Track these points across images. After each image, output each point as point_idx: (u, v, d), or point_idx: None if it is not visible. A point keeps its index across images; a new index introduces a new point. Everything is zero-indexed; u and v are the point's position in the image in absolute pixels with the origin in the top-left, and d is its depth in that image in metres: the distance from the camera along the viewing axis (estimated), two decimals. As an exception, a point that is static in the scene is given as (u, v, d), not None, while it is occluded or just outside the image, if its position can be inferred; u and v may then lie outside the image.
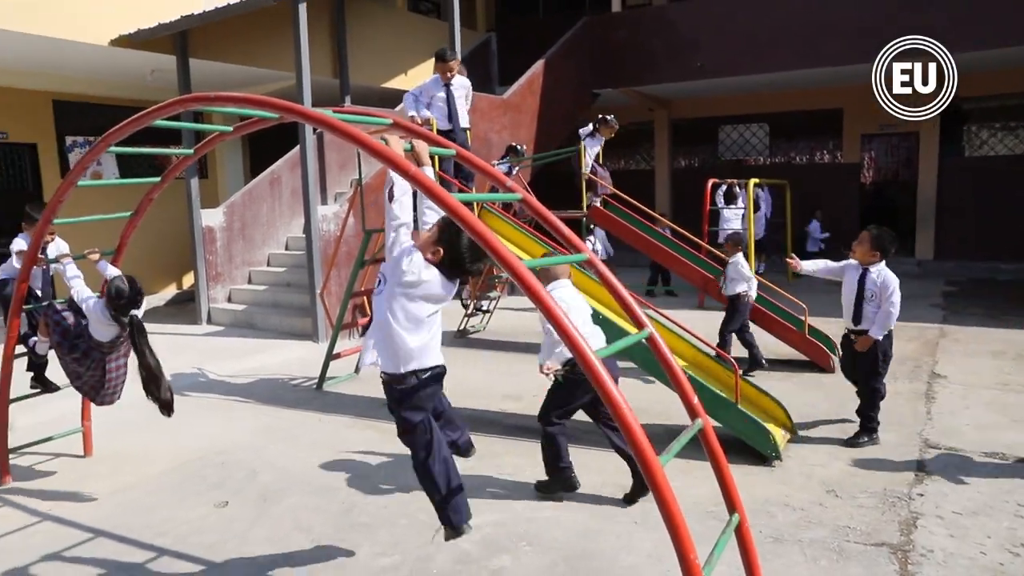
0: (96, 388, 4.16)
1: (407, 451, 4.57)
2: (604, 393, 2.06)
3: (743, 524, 2.48)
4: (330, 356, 6.57)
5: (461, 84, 6.60)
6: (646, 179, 15.97)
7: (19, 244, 5.22)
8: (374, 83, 11.50)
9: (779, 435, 4.59)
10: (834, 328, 7.79)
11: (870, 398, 4.82)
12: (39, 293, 5.32)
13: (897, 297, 4.66)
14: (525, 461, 4.63)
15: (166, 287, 12.24)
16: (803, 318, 6.72)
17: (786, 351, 7.04)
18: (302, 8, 8.07)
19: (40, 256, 4.71)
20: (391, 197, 2.85)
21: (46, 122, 10.61)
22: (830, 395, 5.85)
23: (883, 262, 4.77)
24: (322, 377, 6.60)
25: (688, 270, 7.83)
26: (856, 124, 13.95)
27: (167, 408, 4.01)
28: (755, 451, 4.51)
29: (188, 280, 11.86)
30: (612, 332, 5.02)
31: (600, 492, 4.14)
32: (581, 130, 8.53)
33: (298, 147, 8.78)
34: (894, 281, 4.68)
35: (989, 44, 10.29)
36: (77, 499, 4.25)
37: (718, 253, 8.20)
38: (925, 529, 3.62)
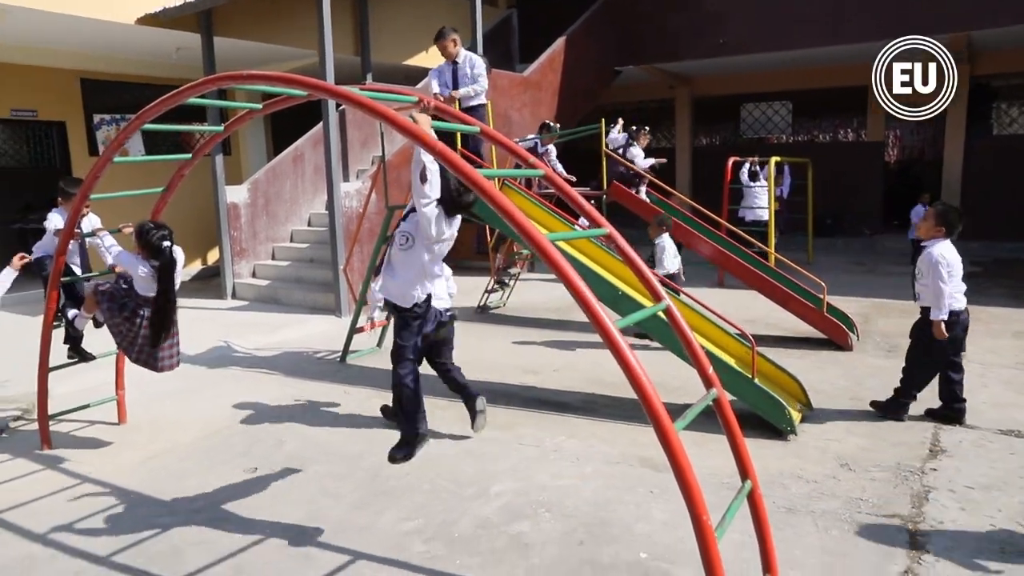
0: (151, 354, 4.25)
1: (429, 419, 4.72)
2: (622, 361, 2.15)
3: (755, 491, 2.57)
4: (353, 330, 6.71)
5: (467, 61, 6.60)
6: (667, 156, 15.88)
7: (56, 221, 5.36)
8: (396, 60, 11.55)
9: (795, 410, 4.66)
10: (853, 306, 7.85)
11: (904, 375, 4.88)
12: (76, 268, 5.49)
13: (938, 274, 4.54)
14: (543, 433, 4.74)
15: (192, 263, 12.46)
16: (822, 296, 6.74)
17: (805, 329, 7.07)
18: (325, -15, 8.12)
19: (76, 231, 4.85)
20: (423, 179, 3.25)
21: (74, 100, 10.80)
22: (847, 372, 5.89)
23: (948, 239, 4.66)
24: (345, 350, 6.74)
25: (706, 247, 7.85)
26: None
27: (154, 343, 4.16)
28: (771, 425, 4.58)
29: (213, 256, 12.06)
30: (631, 306, 5.11)
31: (618, 462, 4.24)
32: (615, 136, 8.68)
33: (320, 124, 8.87)
34: (932, 257, 4.58)
35: (1019, 19, 10.11)
36: (113, 464, 4.42)
37: (737, 231, 8.24)
38: (937, 502, 3.68)
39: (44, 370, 4.69)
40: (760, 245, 8.00)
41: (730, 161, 10.64)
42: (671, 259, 6.88)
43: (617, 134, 9.22)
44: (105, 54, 10.36)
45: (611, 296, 5.33)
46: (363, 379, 6.12)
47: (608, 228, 2.76)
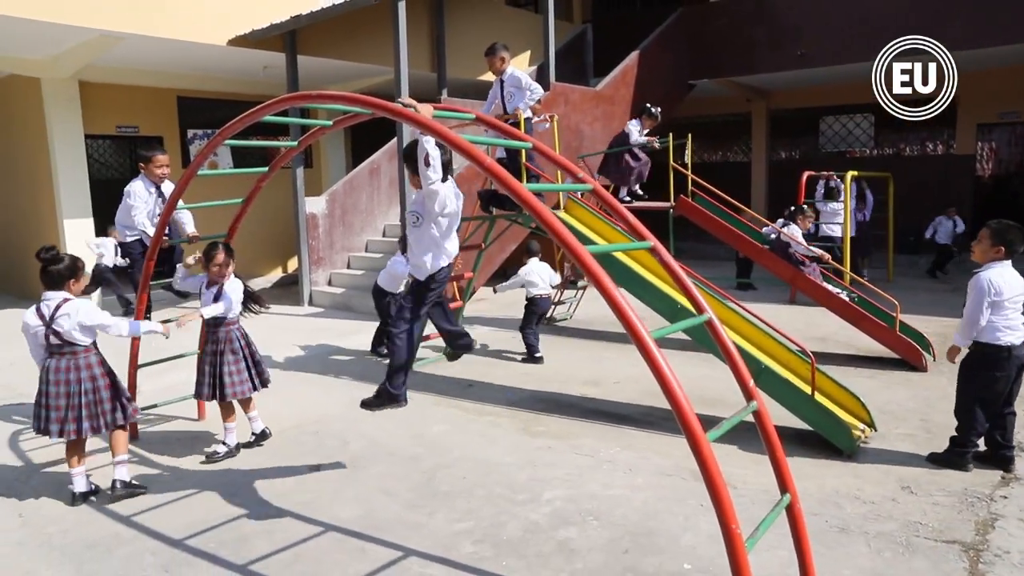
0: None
1: (488, 428, 4.89)
2: (655, 370, 2.21)
3: (794, 505, 2.57)
4: (419, 339, 6.91)
5: (511, 77, 6.72)
6: (742, 172, 15.65)
7: (137, 190, 5.59)
8: (470, 76, 11.84)
9: (856, 429, 4.55)
10: (932, 326, 7.56)
11: (958, 420, 4.34)
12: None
13: (977, 301, 4.09)
14: (599, 443, 4.79)
15: (272, 270, 13.07)
16: (895, 315, 6.54)
17: (877, 348, 6.86)
18: (401, 6, 8.45)
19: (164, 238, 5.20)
20: (427, 164, 3.67)
21: (171, 116, 11.56)
22: (918, 394, 5.69)
23: (1008, 260, 4.17)
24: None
25: (776, 264, 7.72)
26: (971, 113, 13.21)
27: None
28: (833, 444, 4.50)
29: (292, 264, 12.61)
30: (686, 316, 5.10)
31: (671, 474, 4.26)
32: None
33: (396, 139, 9.20)
34: (979, 282, 4.13)
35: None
36: (191, 457, 4.72)
37: (812, 249, 8.06)
38: (1004, 531, 3.54)
39: (133, 367, 5.06)
40: (833, 263, 7.81)
41: (804, 176, 10.40)
42: (530, 281, 7.15)
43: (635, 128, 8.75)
44: (199, 74, 11.05)
45: (670, 310, 5.34)
46: (427, 385, 6.31)
47: (652, 241, 2.82)
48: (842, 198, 10.33)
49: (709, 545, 3.39)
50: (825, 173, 10.64)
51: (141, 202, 5.57)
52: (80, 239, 9.89)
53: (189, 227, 5.67)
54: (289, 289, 11.49)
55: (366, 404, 4.17)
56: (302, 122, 5.13)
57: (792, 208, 9.01)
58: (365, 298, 9.52)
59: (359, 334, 8.24)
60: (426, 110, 2.99)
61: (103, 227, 9.82)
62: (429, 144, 3.62)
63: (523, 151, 6.16)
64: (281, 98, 3.66)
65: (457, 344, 4.62)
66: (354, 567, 3.31)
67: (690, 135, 8.58)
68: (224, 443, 4.71)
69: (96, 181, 10.54)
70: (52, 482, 4.35)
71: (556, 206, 6.71)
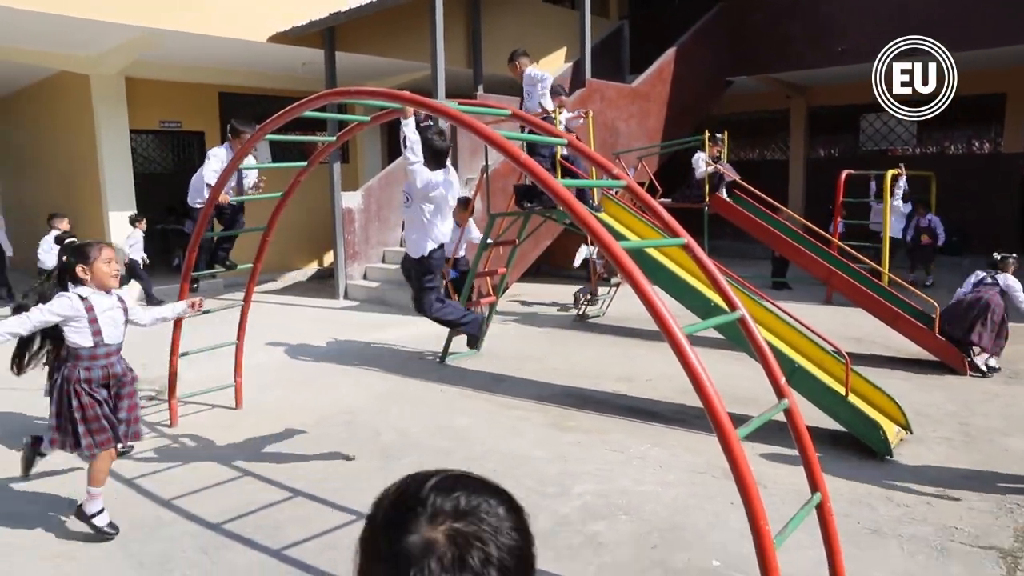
0: None
1: (518, 422, 4.95)
2: (687, 367, 2.22)
3: (825, 504, 2.56)
4: (453, 332, 6.97)
5: (526, 76, 6.77)
6: (779, 170, 15.44)
7: (219, 156, 5.79)
8: (507, 72, 11.82)
9: (891, 431, 4.49)
10: (972, 329, 7.38)
11: None
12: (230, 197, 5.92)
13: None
14: (630, 439, 4.80)
15: (309, 263, 13.27)
16: (934, 316, 6.41)
17: (915, 350, 6.74)
18: (439, 2, 8.52)
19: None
20: (405, 146, 3.94)
21: (212, 112, 11.79)
22: (957, 397, 5.59)
23: None
24: (445, 351, 7.02)
25: (812, 263, 7.62)
26: (1020, 110, 12.85)
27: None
28: (867, 446, 4.45)
29: (328, 258, 12.78)
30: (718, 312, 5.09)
31: (702, 472, 4.25)
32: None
33: (431, 135, 9.26)
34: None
35: None
36: (228, 444, 4.84)
37: (846, 247, 7.96)
38: (1044, 538, 3.47)
39: (175, 356, 5.20)
40: (870, 263, 7.69)
41: (843, 175, 10.23)
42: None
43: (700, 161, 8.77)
44: (240, 70, 11.26)
45: (704, 307, 5.32)
46: (459, 379, 6.37)
47: (686, 238, 2.83)
48: (897, 195, 10.09)
49: (739, 543, 3.38)
50: (874, 172, 10.30)
51: (219, 163, 5.71)
52: (124, 231, 10.17)
53: (251, 177, 5.83)
54: (325, 282, 11.65)
55: (472, 343, 5.46)
56: (340, 117, 5.22)
57: (715, 135, 8.61)
58: (399, 292, 9.63)
59: (393, 327, 8.34)
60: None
61: (146, 220, 10.06)
62: (407, 128, 3.94)
63: (558, 150, 6.19)
64: (320, 94, 3.74)
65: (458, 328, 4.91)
66: (386, 555, 3.37)
67: (727, 132, 8.51)
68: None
69: (139, 175, 10.81)
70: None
71: (598, 207, 6.71)
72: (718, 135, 8.28)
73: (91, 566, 3.33)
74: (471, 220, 7.32)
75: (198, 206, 5.78)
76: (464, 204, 6.95)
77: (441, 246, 4.41)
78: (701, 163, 8.14)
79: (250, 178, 5.88)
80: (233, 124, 5.76)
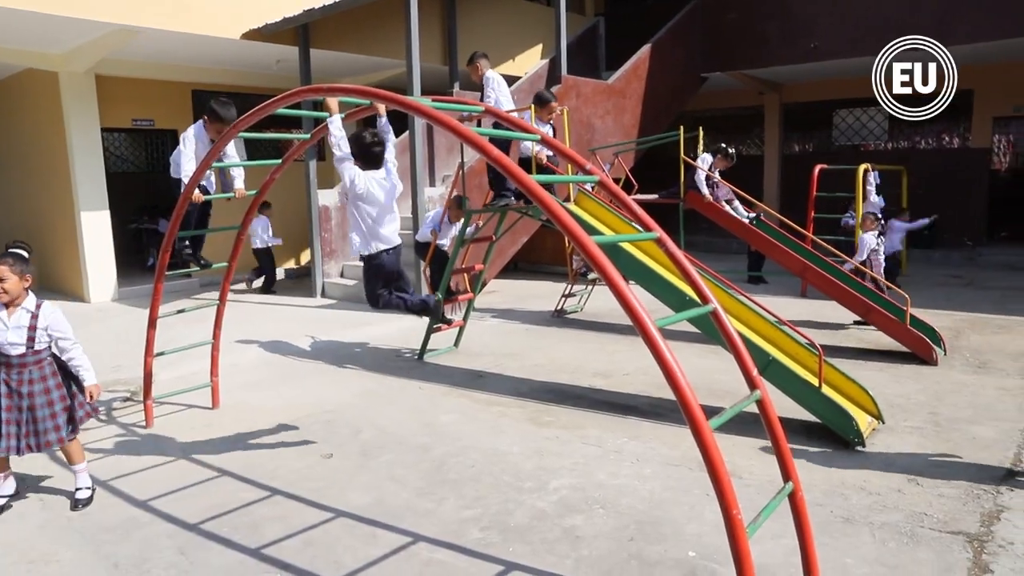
0: None
1: (497, 418, 4.97)
2: (659, 360, 2.25)
3: (797, 493, 2.60)
4: (431, 329, 6.97)
5: (485, 79, 6.93)
6: (754, 165, 15.59)
7: (188, 136, 5.54)
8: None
9: (864, 421, 4.57)
10: (944, 320, 7.56)
11: None
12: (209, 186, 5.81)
13: None
14: (607, 433, 4.84)
15: (285, 262, 13.17)
16: (905, 308, 6.53)
17: (888, 342, 6.86)
18: (413, 0, 8.49)
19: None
20: (332, 143, 4.00)
21: (185, 110, 11.66)
22: (928, 387, 5.69)
23: None
24: (423, 348, 7.01)
25: (786, 257, 7.71)
26: (987, 106, 13.11)
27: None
28: (840, 437, 4.52)
29: (305, 256, 12.70)
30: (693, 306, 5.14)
31: (678, 464, 4.29)
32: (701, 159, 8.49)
33: (408, 133, 9.25)
34: None
35: None
36: (205, 443, 4.81)
37: (820, 241, 8.05)
38: (1009, 523, 3.55)
39: (150, 356, 5.15)
40: (842, 255, 7.79)
41: (817, 169, 10.36)
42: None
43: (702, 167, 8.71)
44: (214, 67, 11.14)
45: (679, 302, 5.37)
46: (438, 376, 6.38)
47: (658, 232, 2.85)
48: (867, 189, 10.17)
49: (714, 534, 3.43)
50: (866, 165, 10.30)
51: (193, 146, 5.50)
52: (96, 231, 10.05)
53: (239, 181, 5.71)
54: (302, 281, 11.58)
55: (437, 317, 4.91)
56: (315, 115, 5.18)
57: (723, 147, 8.50)
58: (377, 290, 9.61)
59: (371, 325, 8.32)
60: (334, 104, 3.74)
61: (119, 219, 9.95)
62: (331, 124, 3.96)
63: (533, 147, 6.21)
64: (294, 91, 3.72)
65: (421, 312, 4.62)
66: (364, 551, 3.38)
67: (701, 128, 8.57)
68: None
69: (112, 174, 10.66)
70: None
71: (567, 199, 6.75)
72: (731, 151, 8.25)
73: (66, 568, 3.30)
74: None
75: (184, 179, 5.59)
76: (459, 203, 6.97)
77: (391, 250, 4.24)
78: (705, 165, 8.14)
79: (238, 181, 5.75)
80: (212, 106, 5.40)
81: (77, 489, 3.95)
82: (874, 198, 10.48)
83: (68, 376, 3.89)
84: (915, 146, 14.42)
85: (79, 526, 3.69)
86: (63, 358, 3.88)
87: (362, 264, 4.39)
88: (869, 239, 7.92)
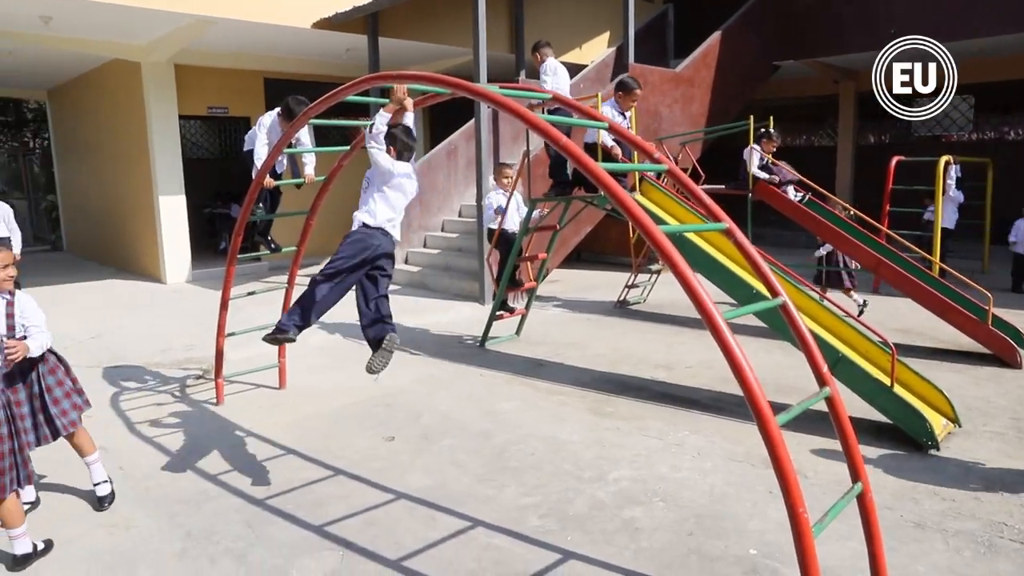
0: None
1: (557, 407, 4.95)
2: (727, 354, 2.20)
3: (866, 494, 2.52)
4: (493, 317, 7.01)
5: (543, 68, 7.03)
6: (826, 156, 15.08)
7: (264, 123, 5.75)
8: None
9: (938, 424, 4.39)
10: (1027, 321, 7.15)
11: None
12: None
13: None
14: (668, 426, 4.78)
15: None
16: (987, 308, 6.22)
17: (966, 342, 6.55)
18: (481, -13, 8.50)
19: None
20: (371, 132, 3.95)
21: (258, 97, 11.98)
22: (1010, 391, 5.42)
23: None
24: (485, 336, 7.06)
25: (859, 252, 7.44)
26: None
27: None
28: (913, 439, 4.35)
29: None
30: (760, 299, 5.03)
31: (740, 460, 4.21)
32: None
33: (473, 120, 9.28)
34: None
35: None
36: (272, 422, 4.96)
37: (896, 236, 7.77)
38: (1098, 536, 3.37)
39: (221, 336, 5.34)
40: (920, 252, 7.49)
41: (893, 161, 9.95)
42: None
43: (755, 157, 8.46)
44: (285, 56, 11.41)
45: (745, 295, 5.25)
46: (499, 363, 6.41)
47: (728, 223, 2.79)
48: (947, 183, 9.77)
49: (777, 532, 3.35)
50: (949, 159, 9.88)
51: (266, 135, 5.67)
52: (173, 215, 10.45)
53: (309, 167, 5.82)
54: (367, 267, 11.78)
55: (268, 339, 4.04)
56: (383, 101, 5.22)
57: (763, 130, 8.27)
58: (440, 277, 9.71)
59: (433, 312, 8.42)
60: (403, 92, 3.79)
61: (194, 204, 10.33)
62: (379, 118, 3.94)
63: (599, 135, 6.15)
64: (363, 78, 3.77)
65: (367, 334, 4.02)
66: (424, 534, 3.43)
67: (772, 118, 8.34)
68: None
69: (187, 160, 11.06)
70: (149, 439, 4.65)
71: (632, 188, 6.66)
72: (772, 131, 8.08)
73: (143, 535, 3.45)
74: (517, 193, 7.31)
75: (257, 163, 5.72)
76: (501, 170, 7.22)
77: (389, 237, 4.01)
78: (755, 157, 7.97)
79: (308, 167, 5.88)
80: (288, 103, 5.50)
81: (96, 485, 3.72)
82: (954, 192, 10.05)
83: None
84: (1003, 137, 13.71)
85: (156, 496, 3.86)
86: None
87: (353, 233, 4.00)
88: None
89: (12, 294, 3.41)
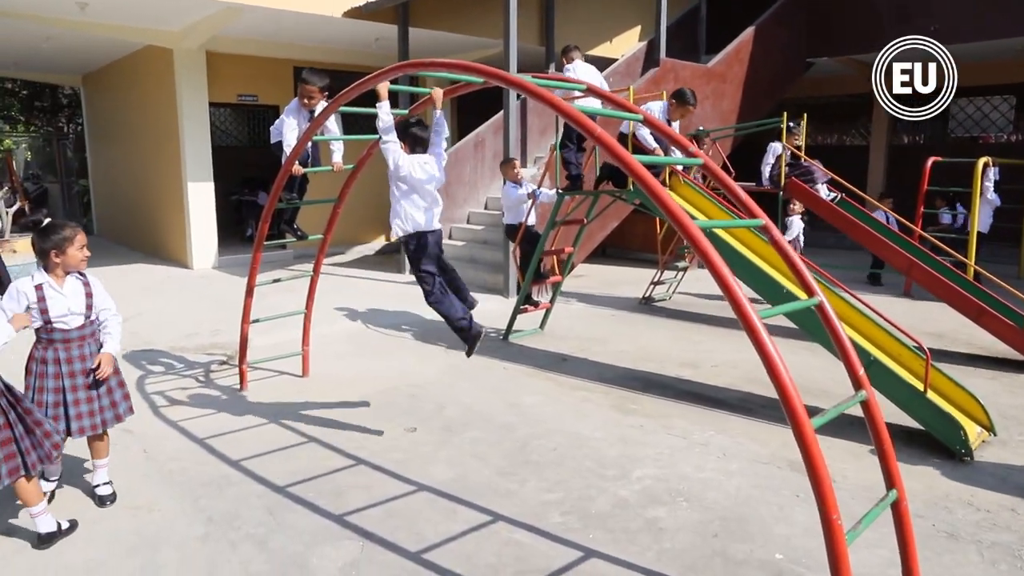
0: None
1: (580, 403, 4.90)
2: (763, 355, 2.14)
3: (901, 502, 2.45)
4: (517, 310, 6.97)
5: (566, 69, 7.19)
6: (859, 156, 14.82)
7: (289, 111, 5.69)
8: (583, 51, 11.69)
9: (973, 432, 4.27)
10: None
11: None
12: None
13: None
14: (693, 425, 4.71)
15: (375, 238, 13.48)
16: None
17: (1002, 349, 6.39)
18: (513, -22, 8.43)
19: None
20: (385, 127, 4.03)
21: (287, 86, 12.03)
22: (1047, 400, 5.28)
23: None
24: (508, 329, 7.02)
25: (891, 253, 7.29)
26: None
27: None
28: (946, 446, 4.25)
29: (396, 233, 12.92)
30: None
31: (766, 462, 4.14)
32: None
33: (502, 112, 9.23)
34: None
35: None
36: (294, 409, 4.97)
37: (930, 237, 7.60)
38: None
39: (246, 322, 5.35)
40: (956, 255, 7.30)
41: (929, 162, 9.73)
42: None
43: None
44: (315, 45, 11.43)
45: (778, 294, 5.16)
46: (522, 357, 6.37)
47: (764, 219, 2.72)
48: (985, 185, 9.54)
49: (804, 537, 3.28)
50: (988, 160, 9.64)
51: (294, 123, 5.59)
52: (201, 201, 10.53)
53: (337, 155, 5.81)
54: (391, 257, 11.80)
55: (472, 345, 4.28)
56: (412, 90, 5.22)
57: (791, 124, 8.17)
58: (465, 269, 9.66)
59: (456, 304, 8.38)
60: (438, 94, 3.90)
61: (221, 191, 10.41)
62: (381, 109, 4.01)
63: (630, 126, 6.08)
64: (393, 66, 3.75)
65: (455, 328, 4.27)
66: (445, 526, 3.40)
67: (805, 116, 8.20)
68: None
69: (215, 147, 11.14)
70: (173, 423, 4.68)
71: (662, 183, 6.59)
72: (791, 124, 7.96)
73: (167, 517, 3.47)
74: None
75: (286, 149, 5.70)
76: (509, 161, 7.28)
77: (430, 233, 4.21)
78: (771, 155, 7.88)
79: (336, 155, 5.86)
80: (304, 74, 5.49)
81: (95, 486, 3.64)
82: (991, 195, 9.81)
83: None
84: (1044, 139, 13.36)
85: (179, 480, 3.88)
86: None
87: (403, 246, 4.35)
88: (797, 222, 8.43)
89: (85, 275, 3.48)
